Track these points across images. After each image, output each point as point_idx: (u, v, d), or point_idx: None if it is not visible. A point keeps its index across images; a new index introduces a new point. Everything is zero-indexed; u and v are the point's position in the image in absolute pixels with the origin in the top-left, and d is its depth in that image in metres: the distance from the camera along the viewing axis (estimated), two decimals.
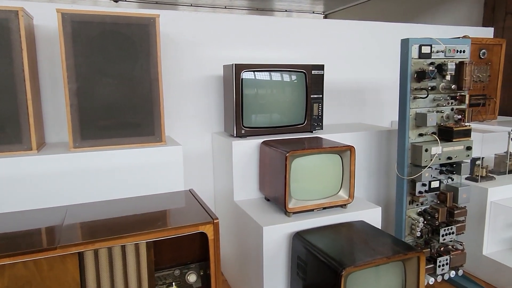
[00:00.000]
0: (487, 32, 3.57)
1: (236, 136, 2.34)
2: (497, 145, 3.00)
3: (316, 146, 2.05)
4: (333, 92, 3.04)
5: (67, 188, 1.91)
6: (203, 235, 1.47)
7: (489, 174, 2.71)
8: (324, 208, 2.10)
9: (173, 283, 1.53)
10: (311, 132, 2.54)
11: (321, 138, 2.35)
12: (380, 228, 2.18)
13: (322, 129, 2.55)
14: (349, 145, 2.07)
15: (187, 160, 2.65)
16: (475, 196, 2.57)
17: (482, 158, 2.72)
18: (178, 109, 2.59)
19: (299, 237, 1.85)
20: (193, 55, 2.58)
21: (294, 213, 2.03)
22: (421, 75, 2.18)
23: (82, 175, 1.94)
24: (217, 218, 1.47)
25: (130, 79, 2.01)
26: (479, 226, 2.55)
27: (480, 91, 3.03)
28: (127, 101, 2.02)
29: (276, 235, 1.93)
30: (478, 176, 2.64)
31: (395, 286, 1.71)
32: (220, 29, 2.63)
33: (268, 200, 2.28)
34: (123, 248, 1.36)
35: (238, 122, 2.32)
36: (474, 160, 2.74)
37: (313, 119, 2.52)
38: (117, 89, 2.00)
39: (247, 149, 2.30)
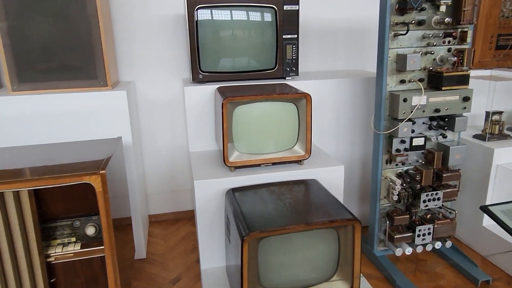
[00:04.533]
0: None
1: (194, 82, 2.13)
2: None
3: (263, 93, 1.78)
4: (326, 34, 2.65)
5: (4, 132, 1.88)
6: None
7: (505, 132, 2.23)
8: (274, 163, 1.86)
9: (73, 234, 1.45)
10: (284, 78, 2.24)
11: (287, 85, 2.05)
12: (342, 188, 1.91)
13: (297, 75, 2.23)
14: (303, 93, 1.77)
15: (156, 108, 2.51)
16: (479, 157, 2.14)
17: (498, 112, 2.23)
18: (144, 54, 2.42)
19: (230, 194, 1.66)
20: None
21: (238, 167, 1.83)
22: (403, 5, 1.75)
23: (21, 119, 1.89)
24: (103, 170, 1.32)
25: (64, 17, 1.86)
26: (481, 193, 2.15)
27: (511, 30, 2.43)
28: (63, 41, 1.89)
29: (211, 190, 1.75)
30: (487, 134, 2.18)
31: (326, 254, 1.48)
32: None
33: None
34: (0, 195, 1.28)
35: (195, 66, 2.09)
36: (490, 115, 2.27)
37: (286, 64, 2.20)
38: (51, 29, 1.86)
39: (203, 96, 2.09)
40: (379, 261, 2.09)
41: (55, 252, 1.41)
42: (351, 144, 2.38)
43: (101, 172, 1.32)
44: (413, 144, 1.93)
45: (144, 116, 2.52)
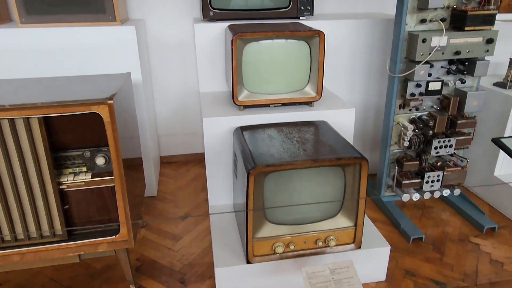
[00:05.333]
0: None
1: (204, 19, 2.06)
2: None
3: (275, 29, 1.71)
4: None
5: (14, 64, 1.88)
6: None
7: None
8: (284, 104, 1.83)
9: (84, 164, 1.49)
10: (298, 18, 2.15)
11: (300, 23, 1.97)
12: (352, 132, 1.89)
13: (312, 14, 2.13)
14: (316, 30, 1.70)
15: (167, 48, 2.46)
16: (497, 106, 2.07)
17: None
18: None
19: (238, 132, 1.66)
20: None
21: (247, 107, 1.81)
22: None
23: (30, 52, 1.88)
24: (111, 99, 1.32)
25: None
26: None
27: None
28: None
29: (219, 128, 1.75)
30: (508, 81, 2.09)
31: (332, 192, 1.49)
32: None
33: None
34: (11, 121, 1.30)
35: (205, 3, 2.02)
36: None
37: (300, 3, 2.10)
38: None
39: (213, 34, 2.03)
40: (385, 206, 2.11)
41: (67, 180, 1.45)
42: (365, 90, 2.32)
43: (108, 102, 1.32)
44: (429, 89, 1.86)
45: (155, 56, 2.48)
